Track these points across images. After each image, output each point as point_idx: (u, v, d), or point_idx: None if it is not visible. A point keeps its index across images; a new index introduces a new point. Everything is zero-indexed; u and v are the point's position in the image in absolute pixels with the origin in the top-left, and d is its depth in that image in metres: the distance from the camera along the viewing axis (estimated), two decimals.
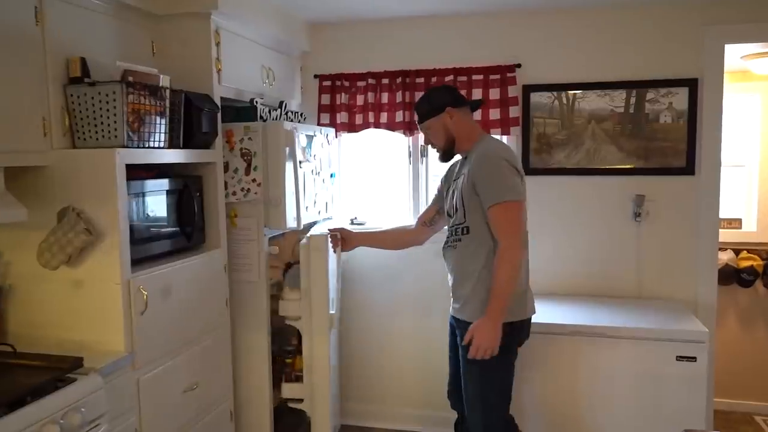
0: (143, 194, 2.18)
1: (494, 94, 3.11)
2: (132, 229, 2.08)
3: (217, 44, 2.53)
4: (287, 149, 2.66)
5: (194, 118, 2.36)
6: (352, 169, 3.56)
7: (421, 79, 3.20)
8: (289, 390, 2.81)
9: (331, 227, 2.80)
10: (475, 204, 2.20)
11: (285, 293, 2.82)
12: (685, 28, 2.96)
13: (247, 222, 2.70)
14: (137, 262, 2.09)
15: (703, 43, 2.94)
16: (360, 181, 3.58)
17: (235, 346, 2.74)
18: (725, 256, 3.59)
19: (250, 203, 2.68)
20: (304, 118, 3.17)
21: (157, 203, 2.27)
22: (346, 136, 3.44)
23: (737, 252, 3.76)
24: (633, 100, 3.04)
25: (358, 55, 3.33)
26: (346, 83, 3.32)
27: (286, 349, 2.95)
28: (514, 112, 3.10)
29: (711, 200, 3.00)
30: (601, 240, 3.14)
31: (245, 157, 2.67)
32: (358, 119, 3.31)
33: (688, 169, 3.01)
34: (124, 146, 2.00)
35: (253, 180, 2.67)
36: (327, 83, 3.34)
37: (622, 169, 3.07)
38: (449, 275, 2.38)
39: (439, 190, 2.57)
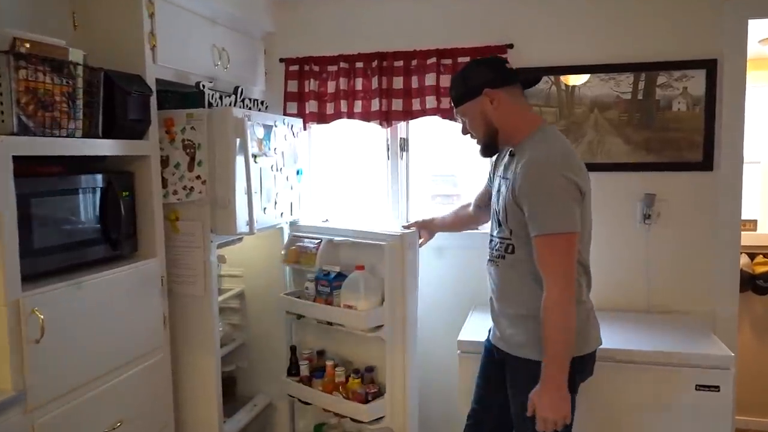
0: (47, 194, 1.79)
1: None
2: (31, 237, 1.69)
3: (151, 15, 2.13)
4: (238, 141, 2.27)
5: (118, 102, 1.96)
6: (323, 165, 3.16)
7: (400, 63, 2.81)
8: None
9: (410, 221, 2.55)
10: (520, 221, 1.78)
11: (346, 299, 2.51)
12: (702, 0, 2.57)
13: (191, 226, 2.30)
14: (36, 278, 1.70)
15: (722, 17, 2.54)
16: (333, 178, 3.18)
17: (177, 371, 2.35)
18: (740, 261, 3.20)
19: (195, 204, 2.29)
20: (266, 107, 2.78)
21: (69, 205, 1.87)
22: (316, 128, 3.05)
23: (752, 256, 3.39)
24: (642, 84, 2.64)
25: (329, 37, 2.93)
26: (316, 68, 2.93)
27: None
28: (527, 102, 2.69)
29: (731, 200, 2.61)
30: (604, 245, 2.72)
31: (188, 150, 2.27)
32: (329, 108, 2.92)
33: (705, 164, 2.61)
34: (13, 133, 1.61)
35: (197, 177, 2.27)
36: (294, 68, 2.95)
37: (629, 164, 2.68)
38: (490, 291, 1.98)
39: (490, 172, 2.13)
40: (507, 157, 1.93)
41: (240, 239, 2.61)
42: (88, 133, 1.88)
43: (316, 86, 2.93)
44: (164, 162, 2.28)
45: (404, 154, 2.98)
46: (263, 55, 2.99)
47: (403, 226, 2.57)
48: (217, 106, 2.40)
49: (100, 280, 1.90)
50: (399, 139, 2.96)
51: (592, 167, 2.65)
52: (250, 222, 2.29)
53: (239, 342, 2.95)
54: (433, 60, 2.74)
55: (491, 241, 1.96)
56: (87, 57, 1.88)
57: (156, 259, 2.18)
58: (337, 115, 2.90)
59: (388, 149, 2.98)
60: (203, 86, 2.34)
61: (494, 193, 1.96)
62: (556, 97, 2.72)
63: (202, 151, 2.26)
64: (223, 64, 2.59)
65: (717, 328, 2.58)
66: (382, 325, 2.48)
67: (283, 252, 2.79)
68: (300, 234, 2.81)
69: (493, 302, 1.97)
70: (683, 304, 2.67)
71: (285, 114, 2.93)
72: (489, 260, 1.96)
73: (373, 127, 2.88)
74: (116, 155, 2.01)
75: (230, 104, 2.48)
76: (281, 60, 2.96)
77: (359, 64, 2.86)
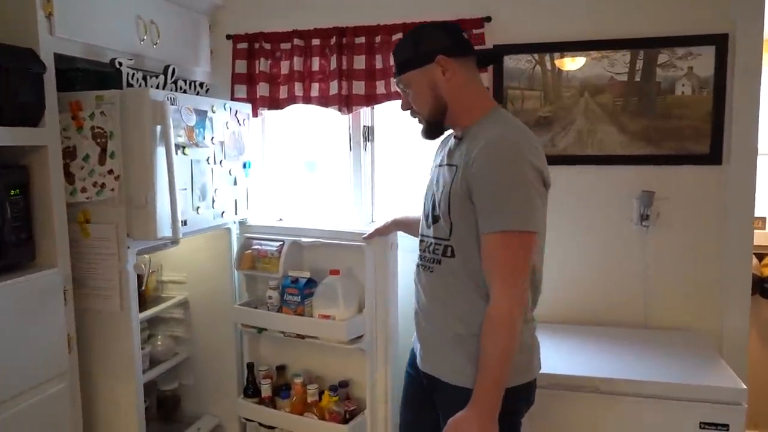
0: None
1: None
2: None
3: None
4: (158, 129, 1.91)
5: None
6: (278, 157, 2.80)
7: (361, 39, 2.43)
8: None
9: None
10: (468, 217, 1.45)
11: (321, 309, 2.24)
12: None
13: (104, 230, 1.95)
14: None
15: None
16: (289, 172, 2.82)
17: (92, 401, 2.01)
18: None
19: (107, 204, 1.94)
20: (207, 91, 2.42)
21: None
22: (269, 114, 2.68)
23: (761, 257, 3.05)
24: (640, 64, 2.26)
25: (283, 10, 2.56)
26: (267, 46, 2.56)
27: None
28: (483, 81, 2.32)
29: (743, 198, 2.23)
30: (595, 250, 2.38)
31: (98, 140, 1.91)
32: (283, 92, 2.55)
33: (713, 157, 2.24)
34: None
35: (109, 171, 1.92)
36: (243, 46, 2.57)
37: (625, 156, 2.30)
38: (416, 304, 1.64)
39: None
40: (451, 141, 1.61)
41: (174, 243, 2.26)
42: None
43: (268, 67, 2.56)
44: (71, 153, 1.92)
45: (368, 144, 2.61)
46: (208, 32, 2.62)
47: (363, 238, 2.19)
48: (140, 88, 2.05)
49: None
50: (362, 128, 2.59)
51: (582, 160, 2.34)
52: (174, 224, 1.93)
53: (183, 356, 2.61)
54: (400, 36, 2.36)
55: (422, 241, 1.63)
56: None
57: (56, 269, 1.82)
58: (291, 100, 2.54)
59: (350, 139, 2.61)
60: (119, 64, 1.98)
61: (430, 185, 1.63)
62: (541, 79, 2.35)
63: (115, 141, 1.90)
64: (152, 40, 2.22)
65: (724, 348, 2.23)
66: (362, 335, 2.23)
67: (234, 257, 2.44)
68: (254, 236, 2.46)
69: (419, 318, 1.64)
70: (686, 319, 2.31)
71: (233, 99, 2.57)
72: (419, 265, 1.63)
73: (332, 113, 2.51)
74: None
75: (157, 86, 2.12)
76: (228, 37, 2.59)
77: (315, 41, 2.49)
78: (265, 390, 2.38)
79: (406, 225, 2.09)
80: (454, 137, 1.60)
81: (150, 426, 2.50)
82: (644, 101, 2.27)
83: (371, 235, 2.16)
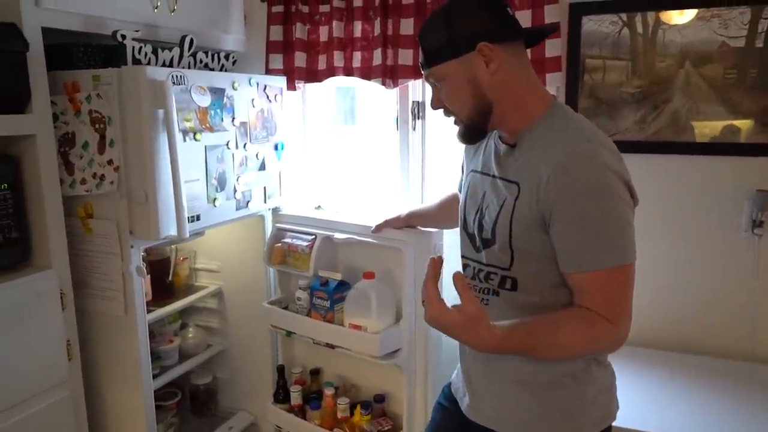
0: None
1: (522, 19, 1.90)
2: None
3: None
4: (160, 112, 1.66)
5: None
6: (316, 137, 2.50)
7: None
8: None
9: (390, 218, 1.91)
10: (538, 249, 1.14)
11: (352, 317, 1.96)
12: None
13: (105, 226, 1.75)
14: None
15: None
16: (328, 154, 2.52)
17: (99, 410, 1.86)
18: None
19: (108, 198, 1.73)
20: (234, 63, 2.14)
21: None
22: (308, 88, 2.38)
23: None
24: (764, 25, 1.74)
25: None
26: (305, 8, 2.23)
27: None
28: (554, 49, 1.89)
29: None
30: (690, 262, 1.92)
31: (97, 126, 1.70)
32: (321, 62, 2.23)
33: None
34: None
35: (109, 161, 1.70)
36: (278, 9, 2.27)
37: (736, 145, 1.82)
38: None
39: (462, 165, 1.47)
40: (499, 145, 1.25)
41: (200, 233, 2.05)
42: None
43: (306, 33, 2.24)
44: (70, 141, 1.72)
45: (418, 122, 2.25)
46: None
47: (372, 231, 1.90)
48: (149, 63, 1.80)
49: None
50: (411, 103, 2.23)
51: (678, 148, 1.88)
52: (180, 222, 1.70)
53: (218, 349, 2.45)
54: None
55: (466, 266, 1.30)
56: None
57: (51, 270, 1.65)
58: (331, 72, 2.21)
59: (397, 117, 2.27)
60: (122, 37, 1.73)
61: (473, 199, 1.28)
62: (629, 46, 1.88)
63: (114, 127, 1.67)
64: (168, 6, 1.96)
65: None
66: (398, 350, 1.96)
67: (265, 249, 2.20)
68: (286, 226, 2.20)
69: (468, 356, 1.33)
70: None
71: (268, 70, 2.28)
72: None
73: (376, 86, 2.17)
74: None
75: (171, 61, 1.87)
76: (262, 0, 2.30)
77: (358, 2, 2.13)
78: (295, 398, 2.16)
79: (424, 217, 1.81)
80: (503, 142, 1.24)
81: (183, 419, 2.39)
82: (766, 74, 1.75)
83: (380, 227, 1.88)
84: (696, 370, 1.81)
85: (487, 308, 1.23)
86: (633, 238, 1.10)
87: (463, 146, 1.39)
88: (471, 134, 1.23)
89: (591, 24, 1.90)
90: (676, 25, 1.83)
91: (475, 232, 1.26)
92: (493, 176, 1.23)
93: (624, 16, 1.87)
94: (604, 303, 1.09)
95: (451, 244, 1.87)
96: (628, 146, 1.90)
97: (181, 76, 1.72)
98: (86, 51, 1.76)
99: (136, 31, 1.79)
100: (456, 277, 1.07)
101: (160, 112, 1.66)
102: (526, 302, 1.18)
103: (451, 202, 1.65)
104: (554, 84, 1.93)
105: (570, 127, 1.14)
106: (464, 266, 1.31)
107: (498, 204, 1.19)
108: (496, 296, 1.22)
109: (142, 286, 1.79)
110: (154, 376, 2.05)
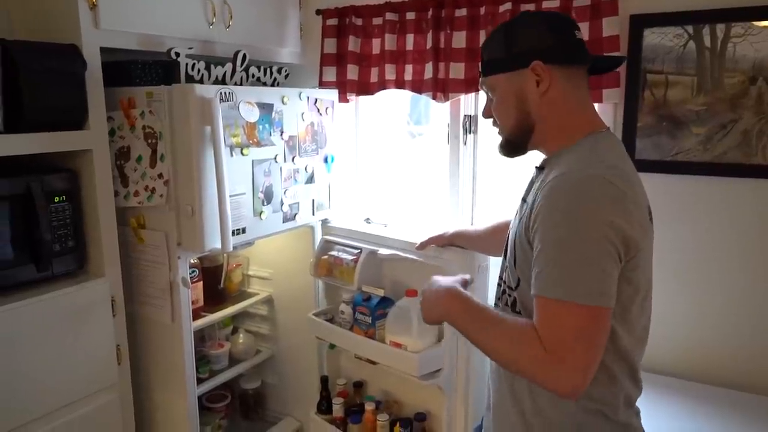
0: None
1: None
2: None
3: None
4: (207, 129, 1.71)
5: (24, 82, 1.49)
6: (364, 150, 2.49)
7: (463, 12, 2.01)
8: None
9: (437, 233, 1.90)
10: (529, 265, 1.09)
11: (393, 335, 1.93)
12: None
13: (155, 237, 1.82)
14: None
15: None
16: (377, 166, 2.50)
17: (146, 414, 1.94)
18: None
19: (158, 210, 1.80)
20: (287, 77, 2.17)
21: None
22: (361, 101, 2.38)
23: None
24: None
25: None
26: (358, 21, 2.23)
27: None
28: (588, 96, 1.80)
29: None
30: (752, 294, 1.78)
31: (149, 141, 1.77)
32: (373, 75, 2.23)
33: None
34: None
35: (159, 175, 1.77)
36: (332, 22, 2.28)
37: None
38: (490, 366, 1.31)
39: None
40: (537, 171, 1.22)
41: (249, 243, 2.09)
42: None
43: (358, 46, 2.24)
44: (125, 155, 1.80)
45: (470, 137, 2.20)
46: (297, 6, 2.35)
47: (416, 247, 1.88)
48: (201, 80, 1.86)
49: (11, 311, 1.51)
50: (462, 117, 2.18)
51: (746, 171, 1.73)
52: (223, 236, 1.74)
53: (267, 354, 2.50)
54: (508, 6, 1.90)
55: (499, 285, 1.28)
56: None
57: (103, 279, 1.73)
58: (382, 85, 2.20)
59: (448, 130, 2.22)
60: (176, 54, 1.79)
61: (511, 226, 1.25)
62: (695, 60, 1.76)
63: (164, 142, 1.74)
64: (224, 22, 2.01)
65: None
66: (439, 369, 1.92)
67: (312, 261, 2.22)
68: (334, 239, 2.22)
69: (490, 380, 1.31)
70: None
71: (321, 83, 2.30)
72: None
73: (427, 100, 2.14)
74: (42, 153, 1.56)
75: (222, 77, 1.92)
76: (318, 12, 2.31)
77: (410, 15, 2.11)
78: (337, 410, 2.17)
79: (468, 239, 1.78)
80: (537, 166, 1.21)
81: (231, 422, 2.46)
82: None
83: (424, 244, 1.87)
84: (748, 408, 1.67)
85: None
86: (600, 281, 0.98)
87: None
88: (510, 148, 1.22)
89: (653, 37, 1.79)
90: (748, 39, 1.69)
91: (506, 254, 1.24)
92: (522, 198, 1.22)
93: (690, 28, 1.75)
94: (543, 330, 1.01)
95: (496, 264, 1.82)
96: (691, 167, 1.80)
97: (229, 93, 1.76)
98: (143, 68, 1.83)
99: (190, 48, 1.85)
100: None
101: (208, 128, 1.70)
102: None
103: (500, 229, 1.60)
104: (612, 100, 1.84)
105: (584, 155, 1.08)
106: (497, 286, 1.28)
107: (514, 225, 1.20)
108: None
109: (188, 295, 1.84)
110: (204, 380, 2.12)
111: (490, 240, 1.67)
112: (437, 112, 2.39)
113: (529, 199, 1.13)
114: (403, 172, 2.50)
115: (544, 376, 1.00)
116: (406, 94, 2.25)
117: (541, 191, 1.06)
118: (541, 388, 1.06)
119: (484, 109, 1.26)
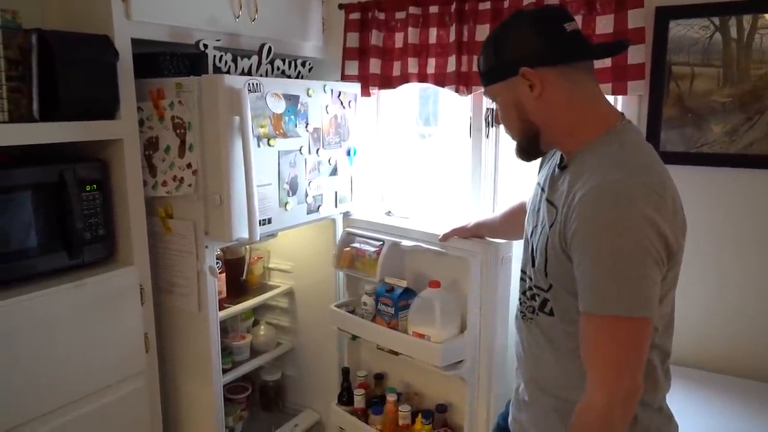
0: None
1: (603, 24, 1.83)
2: None
3: None
4: (236, 119, 1.73)
5: (60, 72, 1.51)
6: (390, 142, 2.51)
7: (486, 5, 2.02)
8: None
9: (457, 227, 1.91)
10: (567, 276, 1.08)
11: (416, 326, 1.95)
12: None
13: (183, 227, 1.84)
14: None
15: None
16: (398, 158, 2.52)
17: (172, 400, 1.96)
18: None
19: (186, 200, 1.82)
20: (310, 70, 2.19)
21: None
22: (382, 95, 2.39)
23: None
24: None
25: None
26: (381, 15, 2.25)
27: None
28: (637, 55, 1.80)
29: None
30: None
31: (178, 131, 1.79)
32: (396, 69, 2.24)
33: None
34: None
35: (188, 165, 1.79)
36: (355, 16, 2.29)
37: None
38: (519, 355, 1.31)
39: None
40: (555, 167, 1.20)
41: (272, 235, 2.12)
42: (19, 116, 1.47)
43: (381, 39, 2.26)
44: (154, 145, 1.82)
45: (492, 130, 2.21)
46: (320, 2, 2.37)
47: (439, 239, 1.90)
48: (228, 71, 1.88)
49: (44, 297, 1.53)
50: (484, 111, 2.19)
51: None
52: (251, 225, 1.76)
53: (287, 347, 2.52)
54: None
55: (522, 279, 1.26)
56: (17, 15, 1.45)
57: (132, 267, 1.76)
58: (404, 78, 2.21)
59: (470, 123, 2.23)
60: (204, 46, 1.81)
61: (533, 213, 1.24)
62: (721, 52, 1.76)
63: (193, 133, 1.76)
64: (249, 15, 2.03)
65: None
66: (462, 361, 1.93)
67: (334, 253, 2.24)
68: (356, 231, 2.23)
69: (519, 378, 1.31)
70: None
71: (343, 76, 2.32)
72: (519, 315, 1.28)
73: (449, 93, 2.15)
74: (74, 141, 1.58)
75: (248, 69, 1.94)
76: (341, 6, 2.32)
77: (434, 8, 2.12)
78: (358, 401, 2.19)
79: (490, 228, 1.79)
80: (558, 165, 1.19)
81: (252, 413, 2.48)
82: None
83: (447, 236, 1.88)
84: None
85: (524, 330, 1.24)
86: (647, 293, 0.98)
87: None
88: (523, 152, 1.24)
89: (679, 29, 1.79)
90: None
91: (526, 244, 1.24)
92: (545, 198, 1.19)
93: (716, 20, 1.75)
94: (590, 350, 1.03)
95: (519, 256, 1.82)
96: (716, 159, 1.80)
97: (257, 84, 1.78)
98: (172, 60, 1.85)
99: (218, 40, 1.87)
100: None
101: (236, 118, 1.72)
102: (564, 331, 1.13)
103: (516, 212, 1.62)
104: (636, 92, 1.84)
105: (614, 157, 1.06)
106: (521, 279, 1.27)
107: (540, 228, 1.17)
108: (537, 317, 1.19)
109: (215, 284, 1.86)
110: (226, 371, 2.14)
111: (510, 224, 1.68)
112: (446, 113, 2.41)
113: (558, 203, 1.11)
114: (417, 169, 2.51)
115: (593, 421, 1.01)
116: (414, 96, 2.26)
117: (578, 204, 1.03)
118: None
119: (494, 116, 1.28)
